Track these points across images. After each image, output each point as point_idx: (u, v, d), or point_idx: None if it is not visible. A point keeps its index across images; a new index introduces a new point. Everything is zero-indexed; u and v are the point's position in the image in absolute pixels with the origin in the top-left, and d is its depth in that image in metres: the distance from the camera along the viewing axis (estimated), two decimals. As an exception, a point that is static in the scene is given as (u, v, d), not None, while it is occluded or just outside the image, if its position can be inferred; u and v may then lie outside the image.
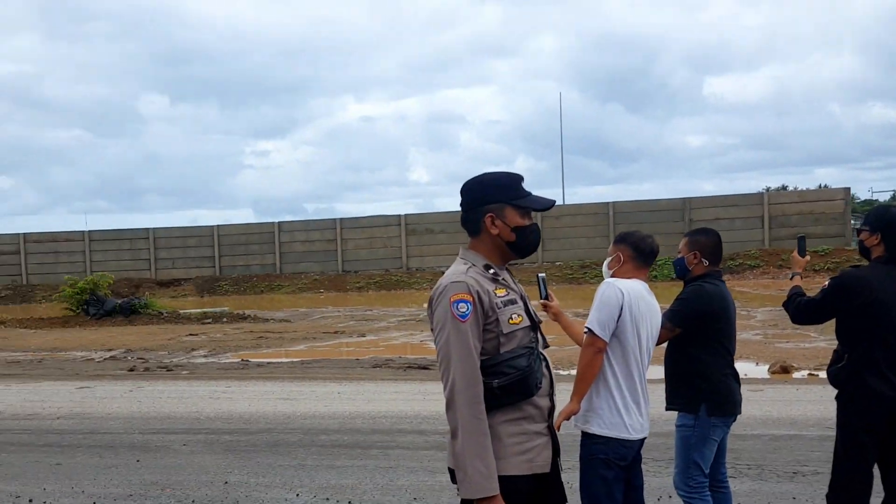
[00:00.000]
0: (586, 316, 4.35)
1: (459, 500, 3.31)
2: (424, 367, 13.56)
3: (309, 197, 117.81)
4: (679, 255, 5.24)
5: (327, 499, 6.86)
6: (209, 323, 23.18)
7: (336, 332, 19.95)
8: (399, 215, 38.96)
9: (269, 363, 14.83)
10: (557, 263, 34.93)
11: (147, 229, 40.61)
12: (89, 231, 41.16)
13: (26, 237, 41.02)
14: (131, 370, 14.60)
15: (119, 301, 26.46)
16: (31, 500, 7.17)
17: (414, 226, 38.43)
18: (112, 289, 28.65)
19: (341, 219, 39.29)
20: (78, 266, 38.70)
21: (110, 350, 17.60)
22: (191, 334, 20.20)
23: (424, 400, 10.83)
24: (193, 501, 6.98)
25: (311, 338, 18.78)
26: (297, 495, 7.07)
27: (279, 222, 39.60)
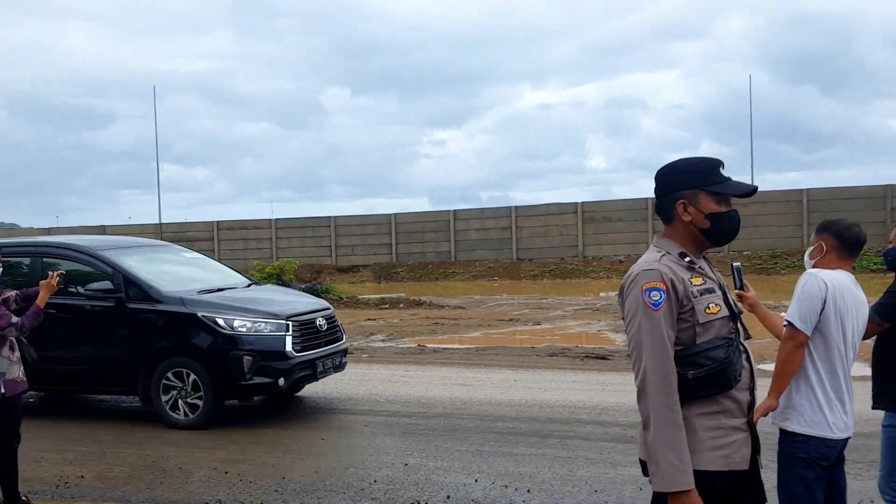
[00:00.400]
0: (777, 308, 4.09)
1: (652, 493, 3.17)
2: (603, 357, 13.32)
3: (483, 185, 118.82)
4: (890, 246, 4.86)
5: (506, 486, 6.83)
6: (386, 308, 23.73)
7: (510, 320, 19.97)
8: (575, 203, 38.49)
9: (444, 349, 15.00)
10: (745, 253, 33.49)
11: (328, 217, 42.05)
12: (276, 219, 43.06)
13: (219, 224, 43.36)
14: (314, 352, 15.12)
15: (303, 286, 27.49)
16: (226, 472, 7.52)
17: (591, 213, 37.90)
18: (296, 274, 29.85)
19: (516, 207, 39.27)
20: (265, 252, 40.56)
21: (294, 332, 18.32)
22: (369, 319, 20.73)
23: (603, 391, 10.63)
24: (375, 481, 7.12)
25: (485, 325, 18.88)
26: (476, 480, 7.08)
27: (454, 210, 40.07)
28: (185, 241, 43.11)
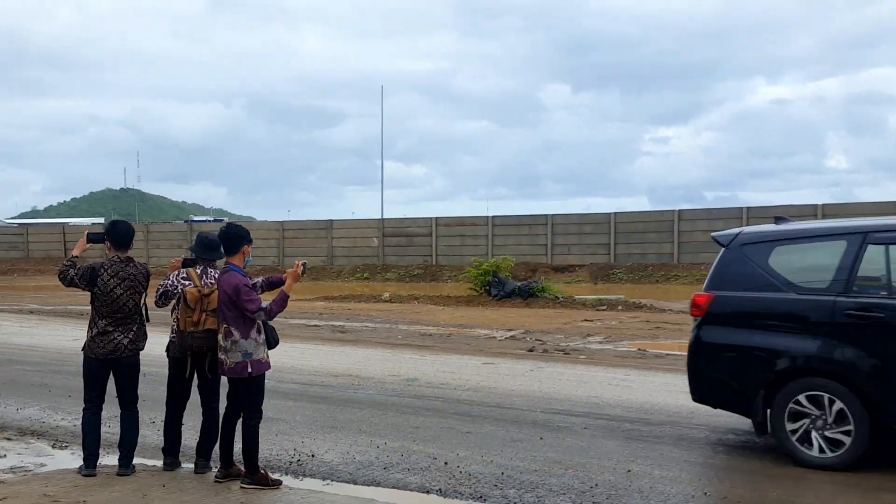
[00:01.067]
0: None
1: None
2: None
3: (709, 184, 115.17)
4: None
5: (739, 502, 6.46)
6: (603, 310, 23.36)
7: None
8: (815, 205, 36.16)
9: (667, 354, 14.52)
10: None
11: (545, 216, 42.00)
12: (492, 216, 43.54)
13: (437, 221, 44.39)
14: (530, 350, 15.09)
15: (518, 284, 27.58)
16: (445, 463, 7.61)
17: (833, 216, 35.60)
18: (511, 272, 29.99)
19: (748, 207, 37.43)
20: (481, 249, 41.08)
21: (510, 330, 18.36)
22: (586, 320, 20.47)
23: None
24: (596, 485, 6.95)
25: (708, 332, 18.12)
26: (706, 494, 6.75)
27: (679, 210, 38.85)
28: (405, 237, 44.49)
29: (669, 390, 11.02)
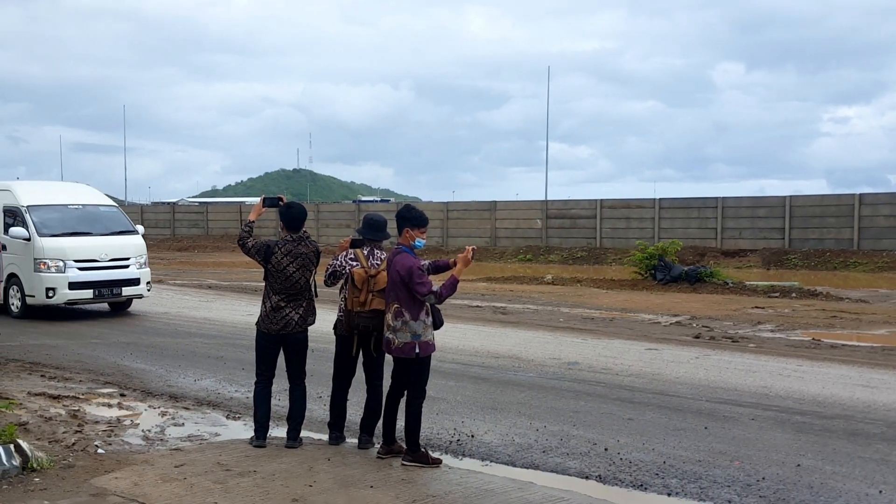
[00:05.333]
0: None
1: None
2: None
3: (894, 167, 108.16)
4: None
5: (918, 504, 6.11)
6: (776, 297, 22.42)
7: (923, 319, 17.90)
8: None
9: (843, 345, 13.80)
10: None
11: (716, 198, 40.61)
12: (659, 199, 42.51)
13: (602, 203, 43.75)
14: (696, 337, 14.70)
15: (685, 268, 26.83)
16: (606, 449, 7.55)
17: None
18: (678, 256, 29.22)
19: (939, 191, 34.94)
20: (647, 232, 40.19)
21: (675, 315, 17.94)
22: (756, 307, 19.72)
23: None
24: (763, 478, 6.73)
25: (893, 322, 17.07)
26: (881, 492, 6.42)
27: (860, 194, 36.72)
28: (569, 219, 44.13)
29: (845, 383, 10.50)
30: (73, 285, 16.17)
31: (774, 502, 6.24)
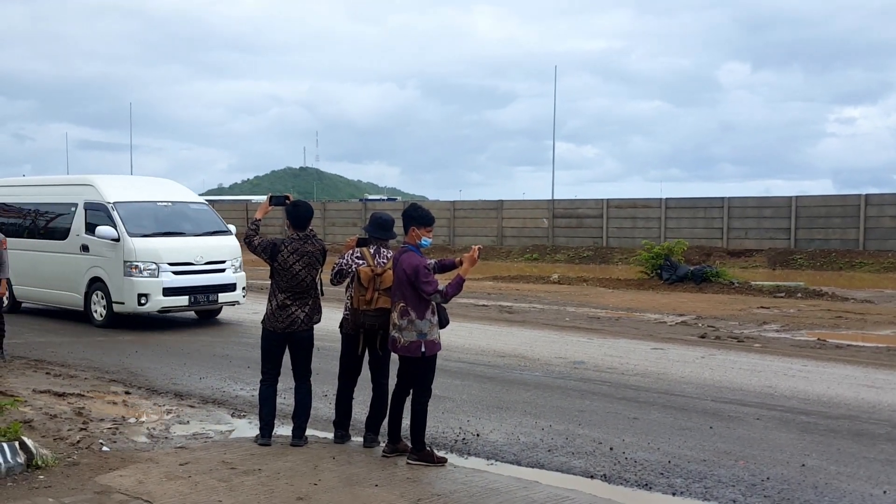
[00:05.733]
0: None
1: None
2: None
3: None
4: None
5: (923, 505, 6.10)
6: (781, 297, 22.37)
7: (928, 320, 17.85)
8: None
9: (848, 345, 13.77)
10: None
11: (721, 198, 40.52)
12: (665, 198, 42.42)
13: (608, 203, 43.66)
14: (702, 337, 14.68)
15: (691, 268, 26.77)
16: (611, 448, 7.55)
17: None
18: (684, 256, 29.16)
19: (943, 193, 34.84)
20: (653, 232, 40.10)
21: (681, 315, 17.92)
22: (762, 307, 19.68)
23: None
24: (768, 478, 6.73)
25: (897, 323, 17.08)
26: (885, 493, 6.42)
27: (866, 195, 36.62)
28: (575, 218, 44.09)
29: (850, 383, 10.48)
30: (168, 291, 14.52)
31: (779, 502, 6.24)
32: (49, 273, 15.95)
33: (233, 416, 8.75)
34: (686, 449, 7.57)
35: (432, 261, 7.29)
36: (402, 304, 6.85)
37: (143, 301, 14.35)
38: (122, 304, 14.52)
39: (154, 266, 14.42)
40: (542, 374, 11.10)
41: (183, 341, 13.63)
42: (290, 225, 7.46)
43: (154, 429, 8.06)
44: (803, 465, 7.09)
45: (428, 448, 7.00)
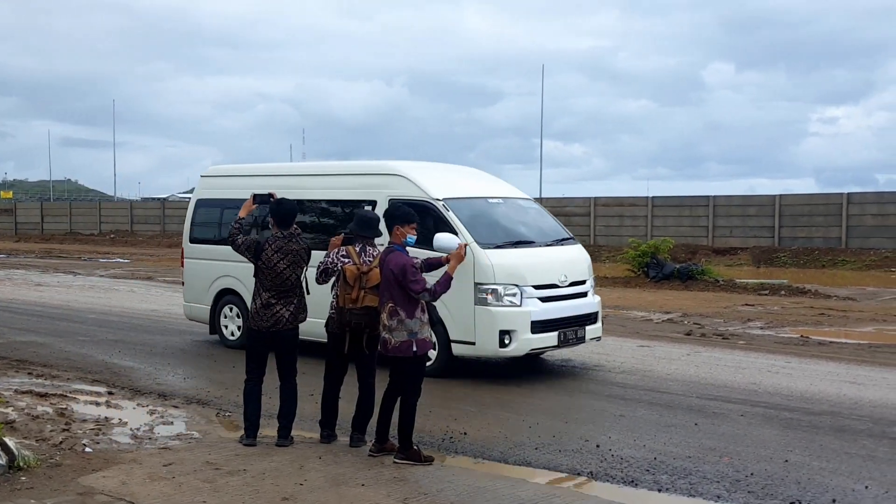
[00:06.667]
0: None
1: None
2: None
3: (882, 167, 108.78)
4: None
5: (906, 499, 6.13)
6: (766, 294, 22.47)
7: (911, 316, 17.97)
8: None
9: (831, 342, 13.86)
10: None
11: (707, 197, 40.68)
12: (652, 197, 42.56)
13: (596, 201, 43.76)
14: (688, 334, 14.73)
15: (677, 266, 26.85)
16: (597, 446, 7.57)
17: None
18: (670, 253, 29.24)
19: (924, 192, 35.09)
20: (640, 230, 40.19)
21: (668, 312, 17.97)
22: (746, 304, 19.77)
23: None
24: (752, 474, 6.76)
25: (880, 320, 17.16)
26: (866, 488, 6.46)
27: (848, 193, 36.87)
28: (563, 216, 44.09)
29: (832, 379, 10.54)
30: (536, 326, 10.24)
31: (763, 497, 6.26)
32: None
33: (217, 416, 8.71)
34: (671, 446, 7.59)
35: (419, 259, 7.27)
36: (390, 305, 6.84)
37: (506, 341, 10.08)
38: (472, 344, 10.25)
39: (516, 290, 10.21)
40: (528, 371, 11.09)
41: (166, 341, 13.57)
42: (273, 223, 7.43)
43: (138, 429, 8.01)
44: (786, 460, 7.12)
45: (415, 447, 6.99)
